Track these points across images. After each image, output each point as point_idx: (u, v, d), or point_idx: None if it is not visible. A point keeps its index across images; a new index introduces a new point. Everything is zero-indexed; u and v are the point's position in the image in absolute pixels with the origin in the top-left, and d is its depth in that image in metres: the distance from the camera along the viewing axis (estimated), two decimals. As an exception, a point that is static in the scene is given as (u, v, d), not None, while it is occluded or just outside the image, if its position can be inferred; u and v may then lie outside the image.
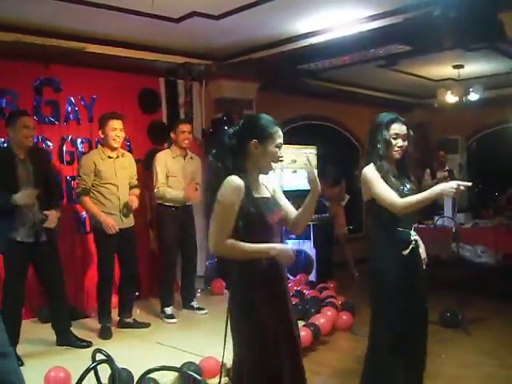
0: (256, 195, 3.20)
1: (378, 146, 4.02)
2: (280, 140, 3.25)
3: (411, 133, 4.11)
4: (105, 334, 6.17)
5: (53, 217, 5.56)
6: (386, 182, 3.94)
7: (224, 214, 3.12)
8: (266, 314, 3.15)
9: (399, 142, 4.02)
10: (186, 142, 7.07)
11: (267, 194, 3.33)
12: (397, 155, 4.03)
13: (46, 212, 5.53)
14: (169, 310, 6.99)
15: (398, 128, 4.04)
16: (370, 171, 4.00)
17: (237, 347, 3.22)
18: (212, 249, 3.22)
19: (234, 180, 3.11)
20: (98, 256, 6.44)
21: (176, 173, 7.01)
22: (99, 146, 6.58)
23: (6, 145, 6.29)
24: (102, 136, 6.32)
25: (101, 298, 6.37)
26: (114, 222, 6.18)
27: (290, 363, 3.20)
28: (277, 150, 3.24)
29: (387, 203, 3.90)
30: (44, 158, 5.91)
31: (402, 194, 3.94)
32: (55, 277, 5.75)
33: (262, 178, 3.36)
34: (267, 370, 3.11)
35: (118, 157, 6.37)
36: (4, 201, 5.26)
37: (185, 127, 7.11)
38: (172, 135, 7.12)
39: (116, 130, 6.25)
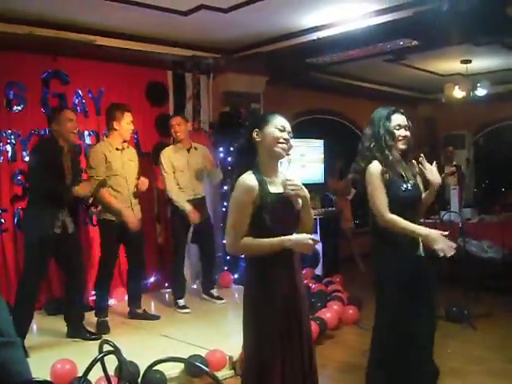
0: (271, 190, 3.18)
1: (382, 138, 4.02)
2: (279, 123, 3.24)
3: (410, 124, 4.12)
4: (102, 328, 6.10)
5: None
6: (388, 178, 3.93)
7: (237, 215, 3.14)
8: (280, 301, 3.16)
9: (402, 132, 4.04)
10: (178, 134, 7.08)
11: (281, 190, 3.24)
12: (401, 145, 4.04)
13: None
14: (181, 302, 7.05)
15: (399, 118, 4.06)
16: (374, 172, 3.99)
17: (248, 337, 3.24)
18: (228, 249, 3.27)
19: (246, 180, 3.12)
20: (102, 250, 6.45)
21: (182, 167, 7.03)
22: (105, 138, 6.50)
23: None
24: (117, 128, 6.23)
25: (99, 293, 6.35)
26: (134, 219, 6.25)
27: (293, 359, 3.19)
28: (275, 130, 3.21)
29: (377, 212, 3.92)
30: (77, 153, 6.08)
31: (406, 192, 3.94)
32: (78, 268, 5.79)
33: (282, 171, 3.36)
34: (265, 359, 3.11)
35: (123, 148, 6.34)
36: (65, 191, 5.49)
37: (173, 121, 7.16)
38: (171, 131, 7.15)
39: (131, 123, 6.28)
